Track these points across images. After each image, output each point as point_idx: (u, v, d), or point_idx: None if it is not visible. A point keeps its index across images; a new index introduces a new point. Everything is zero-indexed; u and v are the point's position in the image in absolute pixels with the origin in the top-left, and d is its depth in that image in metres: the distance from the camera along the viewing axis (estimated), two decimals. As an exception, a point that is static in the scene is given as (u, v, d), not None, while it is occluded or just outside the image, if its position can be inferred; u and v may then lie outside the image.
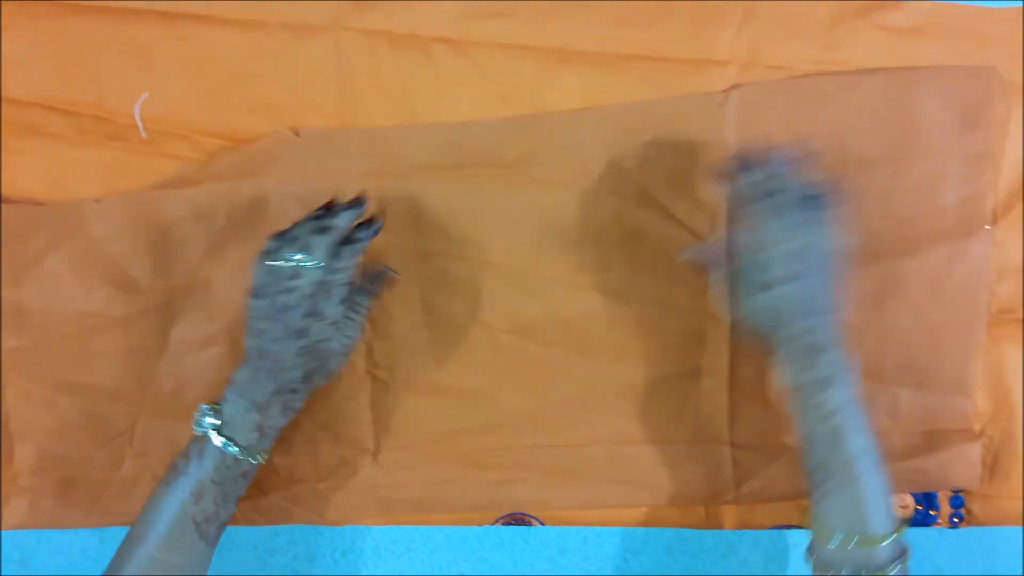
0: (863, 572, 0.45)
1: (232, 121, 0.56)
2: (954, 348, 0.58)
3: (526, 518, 0.60)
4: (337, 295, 0.47)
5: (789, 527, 0.60)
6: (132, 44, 0.55)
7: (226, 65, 0.55)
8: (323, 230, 0.46)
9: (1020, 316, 0.58)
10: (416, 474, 0.59)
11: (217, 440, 0.47)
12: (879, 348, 0.57)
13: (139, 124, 0.55)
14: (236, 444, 0.47)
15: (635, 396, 0.58)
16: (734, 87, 0.56)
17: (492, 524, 0.60)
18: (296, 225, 0.47)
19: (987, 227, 0.57)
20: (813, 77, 0.56)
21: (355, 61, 0.55)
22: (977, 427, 0.58)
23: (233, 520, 0.50)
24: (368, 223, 0.49)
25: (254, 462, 0.48)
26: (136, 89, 0.55)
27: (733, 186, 0.49)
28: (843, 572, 0.46)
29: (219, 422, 0.47)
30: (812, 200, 0.47)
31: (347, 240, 0.47)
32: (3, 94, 0.55)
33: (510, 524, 0.60)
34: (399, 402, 0.58)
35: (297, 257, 0.45)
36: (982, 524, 0.60)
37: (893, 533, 0.46)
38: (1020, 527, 0.60)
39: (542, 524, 0.60)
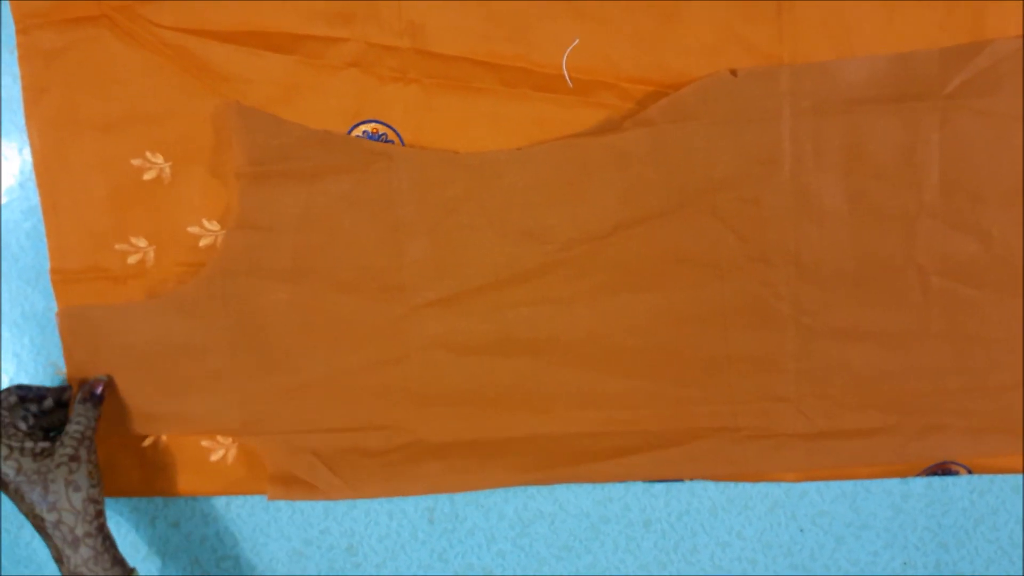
0: None
1: (663, 64, 0.54)
2: None
3: (953, 467, 0.58)
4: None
5: None
6: (564, -10, 0.54)
7: (658, 6, 0.54)
8: None
9: None
10: (839, 423, 0.57)
11: None
12: None
13: (566, 74, 0.55)
14: None
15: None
16: None
17: (916, 476, 0.58)
18: None
19: None
20: None
21: (798, -5, 0.53)
22: None
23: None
24: None
25: None
26: (564, 38, 0.55)
27: None
28: None
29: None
30: None
31: None
32: (428, 49, 0.55)
33: (935, 474, 0.58)
34: (823, 348, 0.57)
35: None
36: None
37: None
38: None
39: (970, 473, 0.58)
